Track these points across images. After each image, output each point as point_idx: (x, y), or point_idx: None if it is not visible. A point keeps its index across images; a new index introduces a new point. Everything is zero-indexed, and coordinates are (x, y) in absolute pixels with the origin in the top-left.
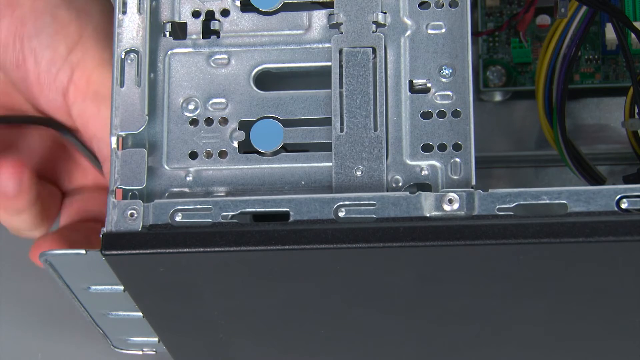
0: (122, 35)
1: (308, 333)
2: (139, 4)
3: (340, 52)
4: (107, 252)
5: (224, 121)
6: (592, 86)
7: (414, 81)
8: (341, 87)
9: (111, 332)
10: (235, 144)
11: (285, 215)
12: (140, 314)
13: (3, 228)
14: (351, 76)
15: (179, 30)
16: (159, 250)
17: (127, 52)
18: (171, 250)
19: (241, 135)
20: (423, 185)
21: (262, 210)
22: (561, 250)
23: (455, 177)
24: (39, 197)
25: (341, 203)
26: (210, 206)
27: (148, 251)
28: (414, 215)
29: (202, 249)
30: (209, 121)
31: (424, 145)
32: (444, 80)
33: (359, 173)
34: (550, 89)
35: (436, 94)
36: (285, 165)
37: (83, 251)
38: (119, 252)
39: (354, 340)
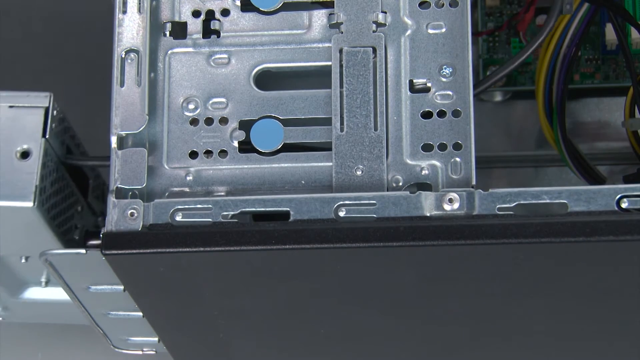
0: (122, 34)
1: (308, 333)
2: (139, 3)
3: (341, 51)
4: (107, 252)
5: (224, 121)
6: (592, 86)
7: (414, 81)
8: (341, 86)
9: (111, 332)
10: (236, 144)
11: (286, 214)
12: (140, 314)
13: None
14: (351, 76)
15: (179, 30)
16: (159, 250)
17: (127, 52)
18: (171, 250)
19: (241, 134)
20: (423, 185)
21: (262, 209)
22: (561, 249)
23: (455, 177)
24: None
25: (341, 203)
26: (210, 206)
27: (148, 251)
28: (414, 214)
29: (202, 249)
30: (209, 121)
31: (424, 144)
32: (444, 79)
33: (359, 173)
34: (550, 89)
35: (436, 93)
36: (286, 164)
37: (83, 251)
38: (119, 251)
39: (354, 340)
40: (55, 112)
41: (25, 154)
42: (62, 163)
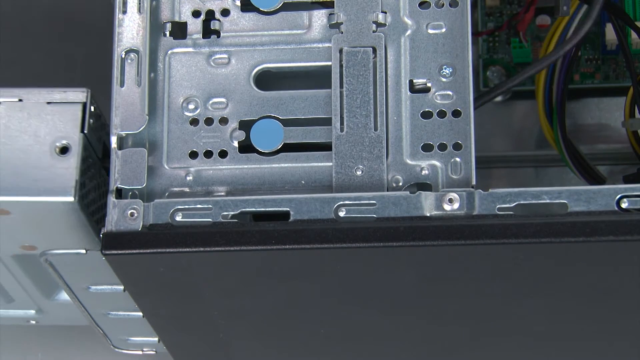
0: (122, 34)
1: (308, 333)
2: (139, 3)
3: (341, 51)
4: (107, 252)
5: (224, 121)
6: (592, 86)
7: (414, 81)
8: (341, 86)
9: (111, 332)
10: (236, 144)
11: (286, 214)
12: (140, 314)
13: None
14: (351, 76)
15: (179, 30)
16: (159, 250)
17: (127, 52)
18: (171, 250)
19: (241, 135)
20: (423, 185)
21: (262, 209)
22: (561, 250)
23: (455, 177)
24: None
25: (341, 203)
26: (210, 206)
27: (148, 251)
28: (414, 214)
29: (202, 249)
30: (209, 121)
31: (424, 144)
32: (444, 80)
33: (359, 173)
34: (550, 89)
35: (436, 93)
36: (286, 164)
37: (83, 251)
38: (119, 251)
39: (354, 340)
40: (92, 107)
41: (64, 150)
42: (100, 160)
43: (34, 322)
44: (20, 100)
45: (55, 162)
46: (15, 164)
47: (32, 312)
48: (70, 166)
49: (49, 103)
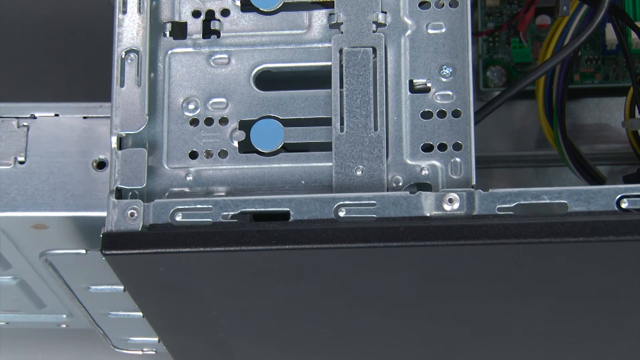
0: (122, 34)
1: (308, 333)
2: (139, 3)
3: (341, 51)
4: (107, 252)
5: (224, 121)
6: (592, 86)
7: (414, 81)
8: (341, 86)
9: (111, 332)
10: (236, 144)
11: (286, 215)
12: (140, 314)
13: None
14: (351, 76)
15: (179, 30)
16: (159, 250)
17: (127, 52)
18: (171, 250)
19: (241, 135)
20: (423, 185)
21: (262, 210)
22: (561, 250)
23: (455, 177)
24: None
25: (341, 203)
26: (210, 206)
27: (148, 251)
28: (414, 215)
29: (202, 249)
30: (209, 121)
31: (424, 145)
32: (444, 80)
33: (359, 173)
34: (550, 89)
35: (436, 93)
36: (286, 165)
37: (83, 251)
38: (119, 251)
39: (354, 340)
40: None
41: (101, 164)
42: None
43: (64, 325)
44: (56, 115)
45: (93, 177)
46: (53, 179)
47: (64, 316)
48: (108, 181)
49: (85, 117)
